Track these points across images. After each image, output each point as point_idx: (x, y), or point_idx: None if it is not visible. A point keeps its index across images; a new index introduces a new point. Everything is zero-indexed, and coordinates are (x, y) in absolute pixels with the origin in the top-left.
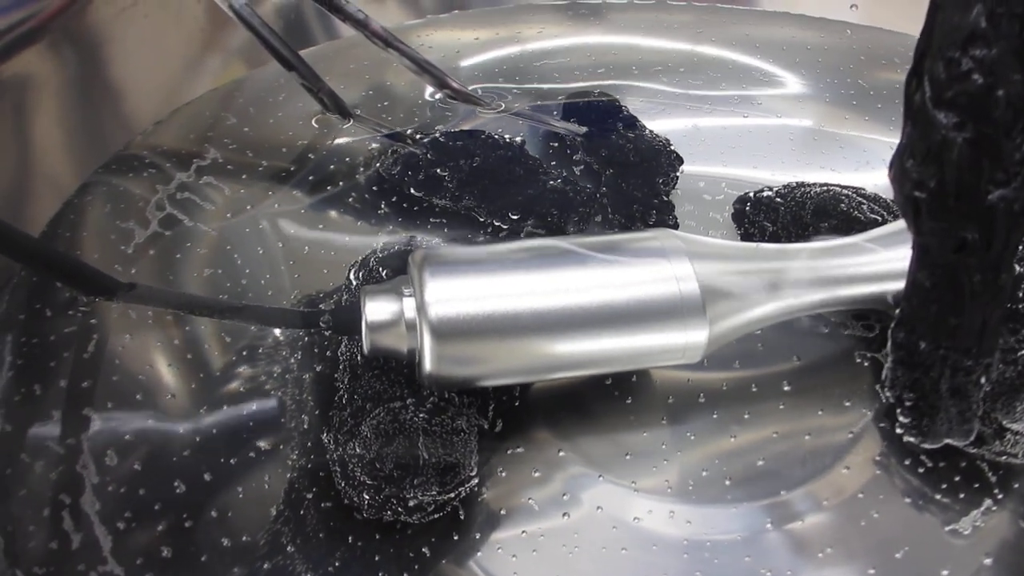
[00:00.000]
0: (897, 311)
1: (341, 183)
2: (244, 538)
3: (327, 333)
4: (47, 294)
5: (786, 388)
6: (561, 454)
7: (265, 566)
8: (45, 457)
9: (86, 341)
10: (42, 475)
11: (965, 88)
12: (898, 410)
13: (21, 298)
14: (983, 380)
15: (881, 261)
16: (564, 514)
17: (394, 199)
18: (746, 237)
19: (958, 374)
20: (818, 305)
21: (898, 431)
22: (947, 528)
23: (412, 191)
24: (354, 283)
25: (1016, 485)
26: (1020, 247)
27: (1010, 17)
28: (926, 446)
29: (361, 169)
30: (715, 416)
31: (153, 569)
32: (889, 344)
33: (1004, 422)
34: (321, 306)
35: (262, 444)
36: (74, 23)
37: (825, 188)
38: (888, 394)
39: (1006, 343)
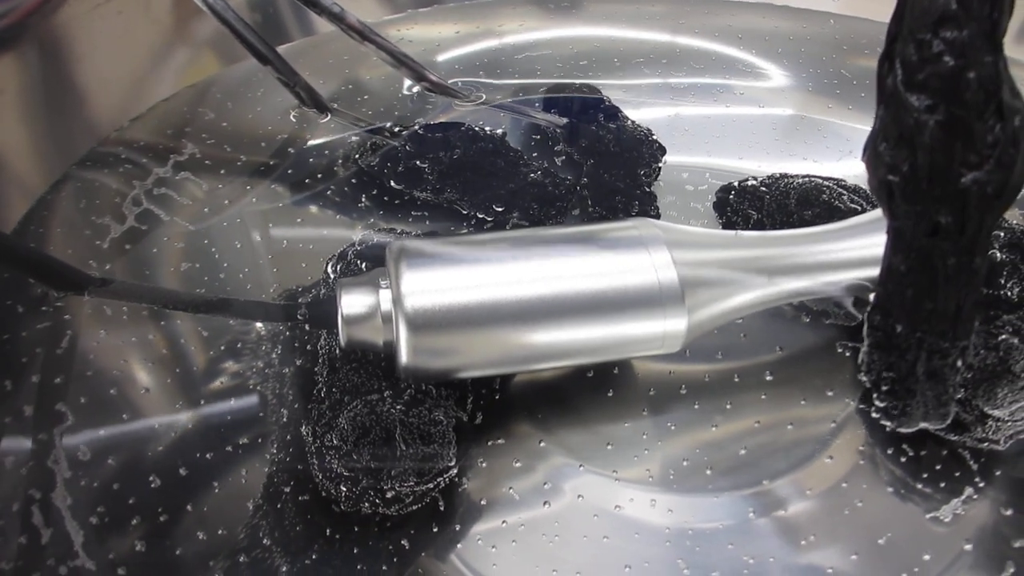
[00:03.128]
0: (872, 295)
1: (320, 177)
2: (220, 532)
3: (306, 327)
4: (18, 290)
5: (768, 378)
6: (542, 445)
7: (242, 559)
8: (15, 453)
9: (59, 337)
10: (12, 471)
11: (936, 70)
12: (875, 394)
13: None
14: (959, 363)
15: (860, 247)
16: (545, 503)
17: (374, 192)
18: (728, 226)
19: (934, 357)
20: (799, 292)
21: (874, 415)
22: (928, 516)
23: (392, 184)
24: (331, 276)
25: (998, 472)
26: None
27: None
28: (902, 430)
29: (340, 163)
30: (697, 407)
31: (126, 564)
32: (865, 328)
33: (985, 409)
34: (300, 300)
35: (240, 439)
36: (46, 21)
37: (807, 179)
38: (865, 378)
39: (987, 329)
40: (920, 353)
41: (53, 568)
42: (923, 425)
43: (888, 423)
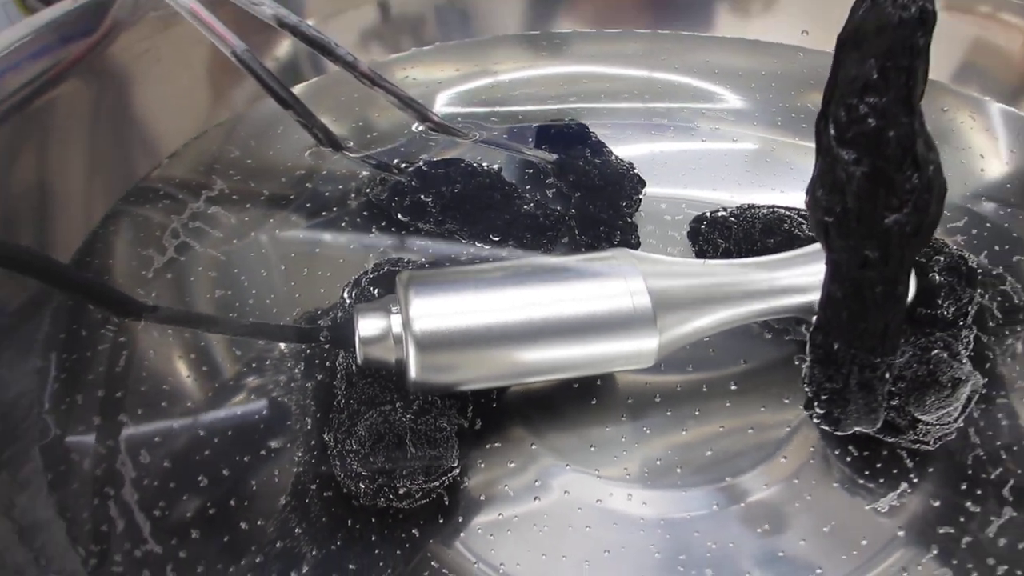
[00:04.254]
0: (815, 318)
1: (334, 209)
2: (259, 522)
3: (326, 346)
4: (82, 316)
5: (733, 388)
6: (533, 447)
7: (278, 545)
8: (90, 456)
9: (117, 357)
10: (89, 471)
11: (862, 130)
12: (815, 402)
13: (60, 320)
14: (887, 376)
15: (808, 274)
16: (535, 498)
17: (383, 223)
18: (700, 254)
19: (865, 371)
20: (758, 314)
21: (815, 420)
22: (868, 507)
23: (399, 216)
24: (348, 301)
25: (930, 469)
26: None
27: (897, 70)
28: (838, 433)
29: (352, 196)
30: (669, 413)
31: (185, 548)
32: (808, 346)
33: (916, 414)
34: (320, 322)
35: (271, 443)
36: (95, 65)
37: (772, 210)
38: (807, 388)
39: (922, 345)
40: (853, 367)
41: (129, 551)
42: (856, 429)
43: (827, 427)
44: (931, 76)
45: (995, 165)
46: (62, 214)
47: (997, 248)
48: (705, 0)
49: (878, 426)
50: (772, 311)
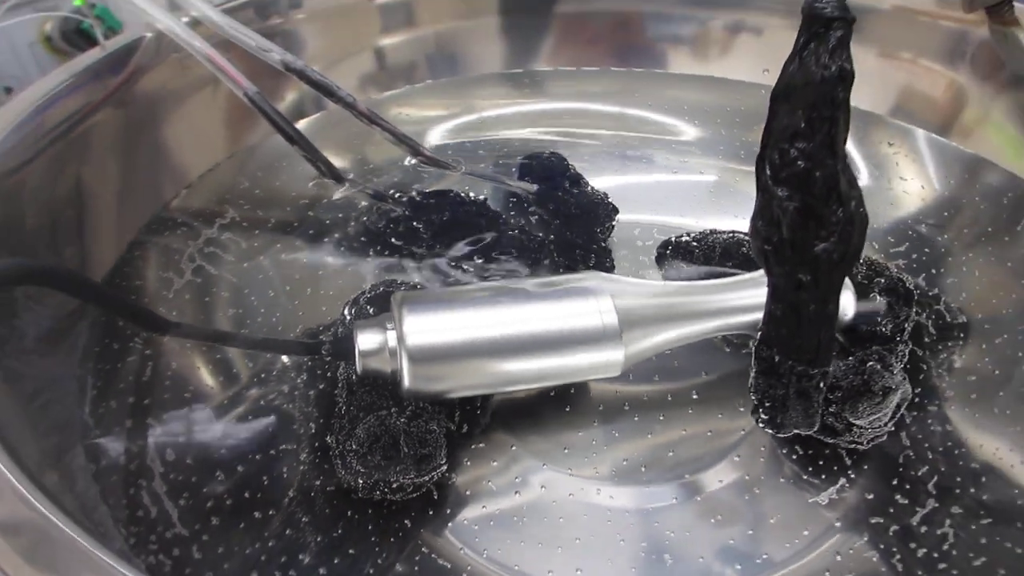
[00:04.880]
0: (759, 334)
1: (335, 235)
2: (270, 512)
3: (327, 359)
4: (114, 331)
5: (694, 397)
6: (514, 449)
7: (286, 532)
8: (125, 454)
9: (144, 367)
10: (124, 466)
11: (793, 171)
12: (760, 408)
13: (96, 334)
14: (821, 384)
15: (757, 296)
16: (516, 493)
17: (379, 248)
18: (666, 276)
19: (802, 380)
20: (712, 331)
21: (760, 424)
22: (810, 500)
23: (393, 241)
24: (347, 318)
25: (865, 467)
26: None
27: (821, 120)
28: (780, 435)
29: (351, 223)
30: (636, 419)
31: (208, 532)
32: (753, 359)
33: (851, 419)
34: (322, 337)
35: (280, 445)
36: (125, 100)
37: (731, 235)
38: (753, 396)
39: (860, 358)
40: (792, 377)
41: (161, 533)
42: (795, 431)
43: (769, 430)
44: (872, 111)
45: (931, 193)
46: (96, 236)
47: (934, 271)
48: (671, 42)
49: (815, 429)
50: (725, 328)
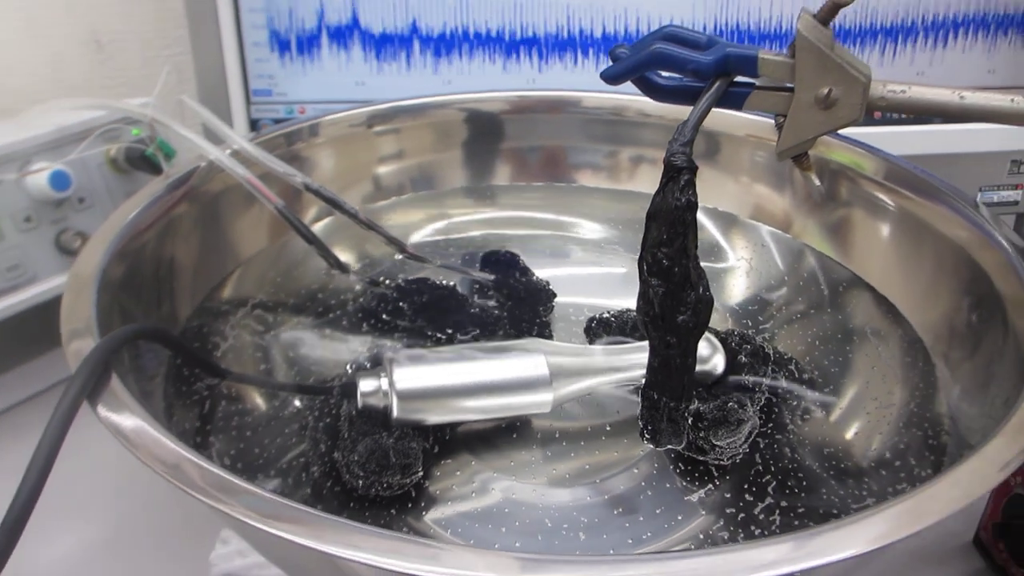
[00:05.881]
0: (644, 380)
1: (339, 312)
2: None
3: (335, 398)
4: (185, 376)
5: (608, 428)
6: (473, 464)
7: None
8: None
9: (205, 404)
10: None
11: (660, 267)
12: (645, 430)
13: (172, 378)
14: (686, 414)
15: (643, 353)
16: (474, 494)
17: (373, 321)
18: (590, 343)
19: (673, 411)
20: (617, 381)
21: (644, 440)
22: (686, 498)
23: (384, 316)
24: (350, 371)
25: (728, 476)
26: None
27: (676, 234)
28: (658, 448)
29: (351, 303)
30: (564, 444)
31: None
32: (641, 397)
33: (714, 441)
34: (329, 384)
35: (299, 459)
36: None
37: None
38: (640, 423)
39: (724, 399)
40: (666, 409)
41: None
42: (669, 445)
43: (651, 444)
44: (731, 212)
45: (774, 272)
46: (179, 300)
47: (790, 341)
48: (591, 167)
49: (683, 444)
50: (627, 379)
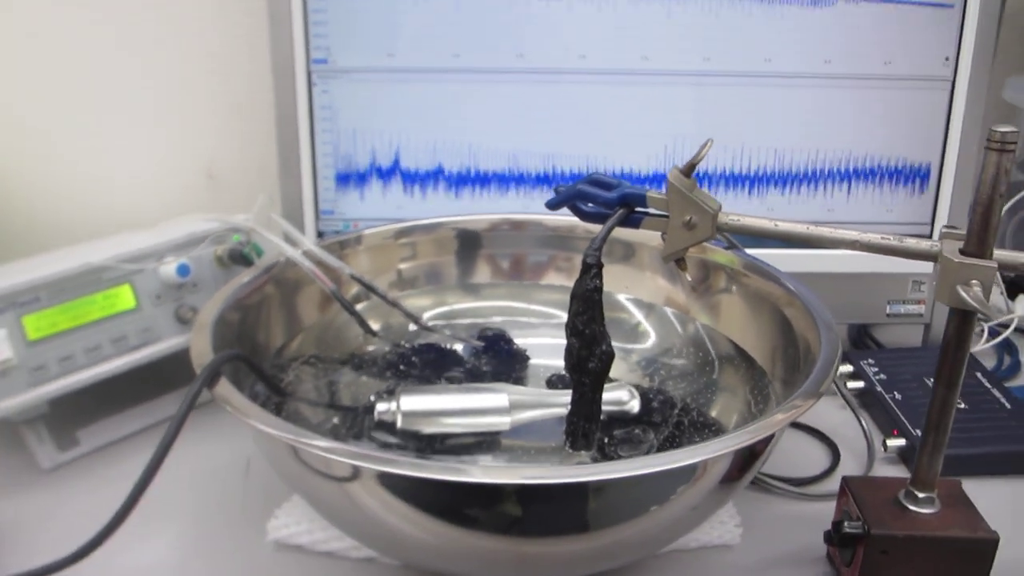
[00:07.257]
0: (569, 407)
1: (370, 364)
2: None
3: (360, 415)
4: (258, 395)
5: (551, 445)
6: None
7: None
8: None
9: (279, 412)
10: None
11: (579, 330)
12: (567, 441)
13: (251, 396)
14: (597, 432)
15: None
16: None
17: (393, 371)
18: (550, 386)
19: (586, 429)
20: (554, 414)
21: (567, 448)
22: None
23: (401, 368)
24: (373, 400)
25: None
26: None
27: (590, 308)
28: (574, 452)
29: (378, 360)
30: (519, 452)
31: None
32: (567, 418)
33: (620, 453)
34: (360, 408)
35: None
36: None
37: None
38: (565, 436)
39: (630, 429)
40: (581, 427)
41: None
42: (583, 451)
43: (572, 451)
44: (648, 299)
45: (669, 336)
46: (265, 348)
47: (692, 391)
48: (548, 267)
49: (592, 450)
50: (562, 411)
